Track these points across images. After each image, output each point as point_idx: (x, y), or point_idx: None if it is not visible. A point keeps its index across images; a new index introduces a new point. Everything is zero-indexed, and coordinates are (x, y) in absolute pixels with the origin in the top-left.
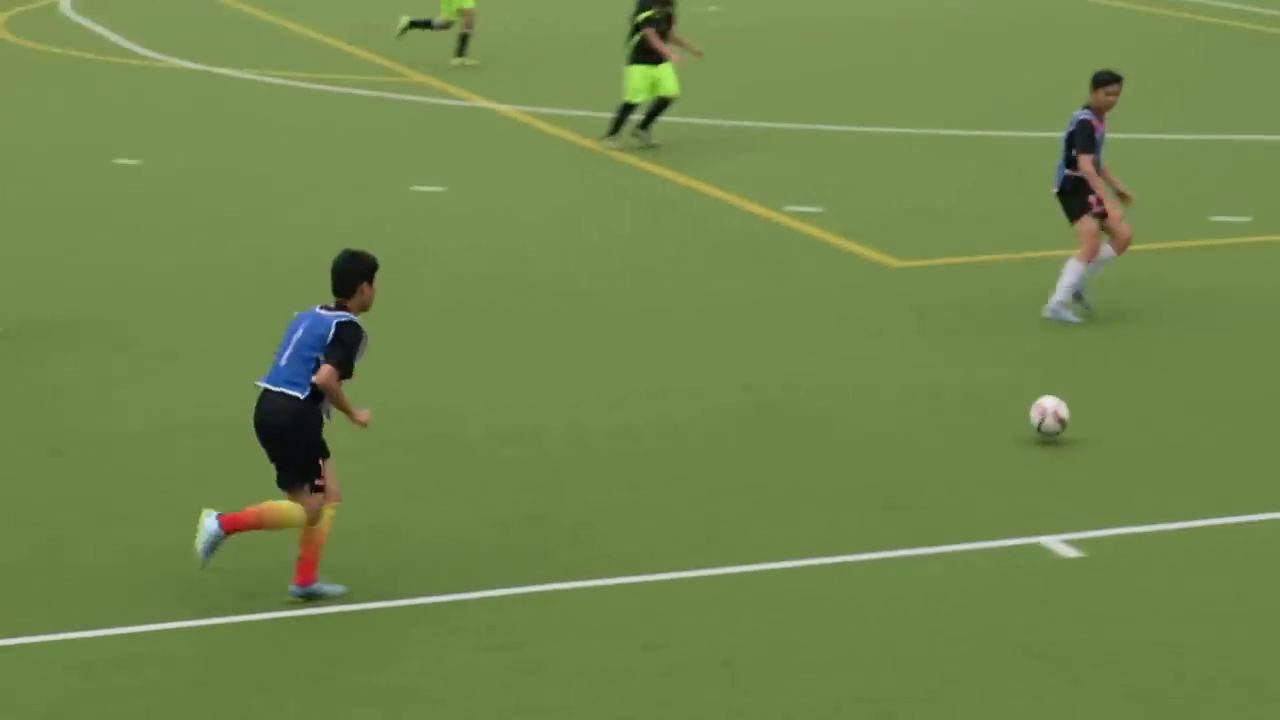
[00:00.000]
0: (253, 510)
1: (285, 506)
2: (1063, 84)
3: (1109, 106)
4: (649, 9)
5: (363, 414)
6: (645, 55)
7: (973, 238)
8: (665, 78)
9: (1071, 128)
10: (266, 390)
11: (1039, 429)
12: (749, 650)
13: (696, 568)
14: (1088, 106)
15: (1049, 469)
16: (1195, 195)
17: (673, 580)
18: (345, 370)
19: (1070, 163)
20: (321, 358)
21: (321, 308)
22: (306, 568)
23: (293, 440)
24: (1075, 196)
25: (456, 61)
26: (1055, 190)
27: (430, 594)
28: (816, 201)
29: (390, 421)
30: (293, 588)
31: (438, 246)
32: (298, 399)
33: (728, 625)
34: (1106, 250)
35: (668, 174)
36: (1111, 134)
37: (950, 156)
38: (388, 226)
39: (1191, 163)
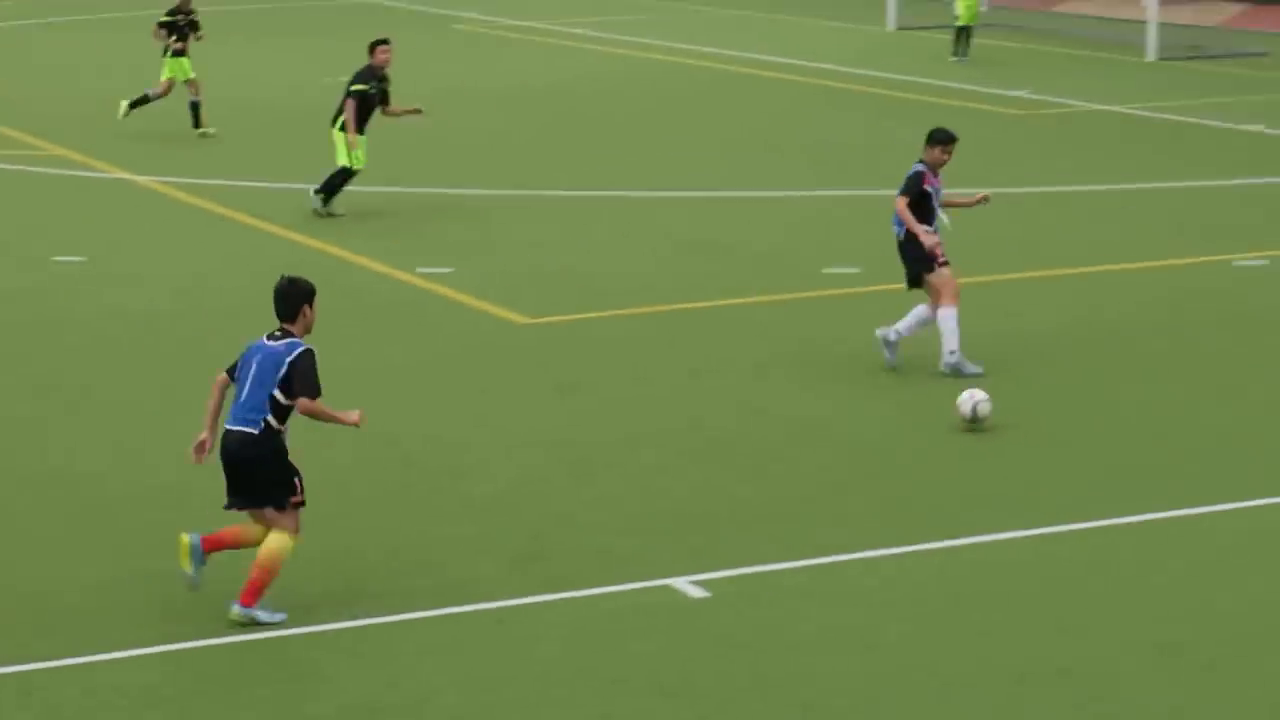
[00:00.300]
0: (228, 534)
1: (278, 543)
2: (695, 147)
3: (943, 163)
4: (364, 83)
5: (352, 415)
6: (360, 123)
7: (601, 294)
8: (361, 149)
9: (908, 175)
10: (230, 430)
11: (974, 415)
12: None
13: (339, 620)
14: (922, 161)
15: (676, 513)
16: (810, 248)
17: (328, 631)
18: (316, 392)
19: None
20: (279, 395)
21: (268, 337)
22: (254, 587)
23: (270, 470)
24: (910, 247)
25: (200, 131)
26: (897, 237)
27: (65, 656)
28: (447, 262)
29: (30, 487)
30: (237, 608)
31: (81, 314)
32: (254, 434)
33: (371, 672)
34: (925, 311)
35: (299, 238)
36: (737, 192)
37: (577, 216)
38: (30, 296)
39: (807, 217)
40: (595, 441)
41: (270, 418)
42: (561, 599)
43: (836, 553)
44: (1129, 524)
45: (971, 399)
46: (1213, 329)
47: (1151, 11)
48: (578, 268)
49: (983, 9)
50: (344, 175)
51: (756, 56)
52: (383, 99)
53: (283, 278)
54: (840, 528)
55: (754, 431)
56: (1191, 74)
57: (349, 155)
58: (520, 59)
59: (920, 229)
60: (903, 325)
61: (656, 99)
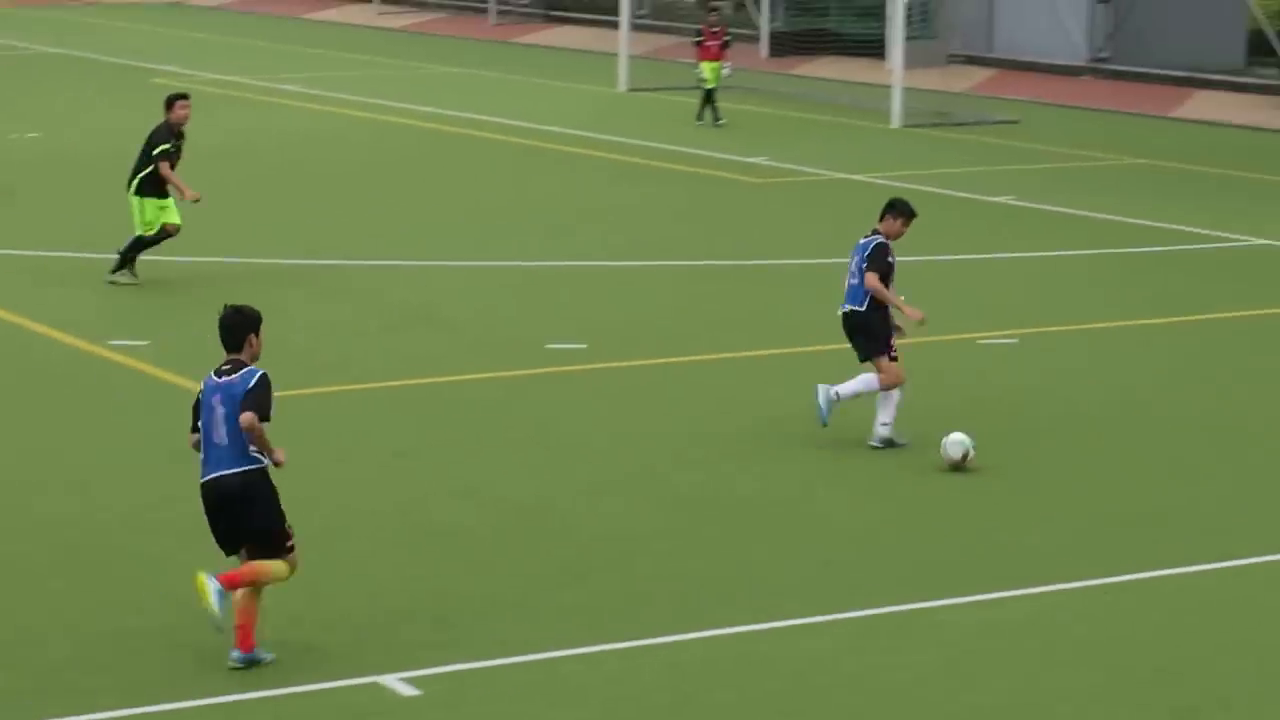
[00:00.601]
0: (247, 570)
1: (268, 569)
2: (413, 211)
3: (899, 236)
4: (166, 141)
5: (279, 453)
6: (155, 188)
7: (305, 370)
8: (171, 209)
9: (867, 250)
10: (222, 475)
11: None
12: None
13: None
14: (878, 232)
15: (386, 605)
16: (534, 322)
17: None
18: (266, 414)
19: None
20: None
21: (216, 373)
22: (249, 635)
23: (266, 507)
24: (873, 322)
25: None
26: (854, 311)
27: None
28: (142, 335)
29: None
30: (236, 654)
31: None
32: (261, 470)
33: None
34: (874, 381)
35: None
36: (457, 261)
37: (280, 285)
38: None
39: (530, 288)
40: (297, 528)
41: (253, 452)
42: (262, 698)
43: (558, 648)
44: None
45: (961, 445)
46: (959, 411)
47: (896, 76)
48: (283, 341)
49: (725, 72)
50: (138, 244)
51: (481, 117)
52: (176, 156)
53: (227, 308)
54: (562, 621)
55: (469, 517)
56: (938, 141)
57: (142, 224)
58: (223, 116)
59: (908, 307)
60: (846, 388)
61: (374, 160)
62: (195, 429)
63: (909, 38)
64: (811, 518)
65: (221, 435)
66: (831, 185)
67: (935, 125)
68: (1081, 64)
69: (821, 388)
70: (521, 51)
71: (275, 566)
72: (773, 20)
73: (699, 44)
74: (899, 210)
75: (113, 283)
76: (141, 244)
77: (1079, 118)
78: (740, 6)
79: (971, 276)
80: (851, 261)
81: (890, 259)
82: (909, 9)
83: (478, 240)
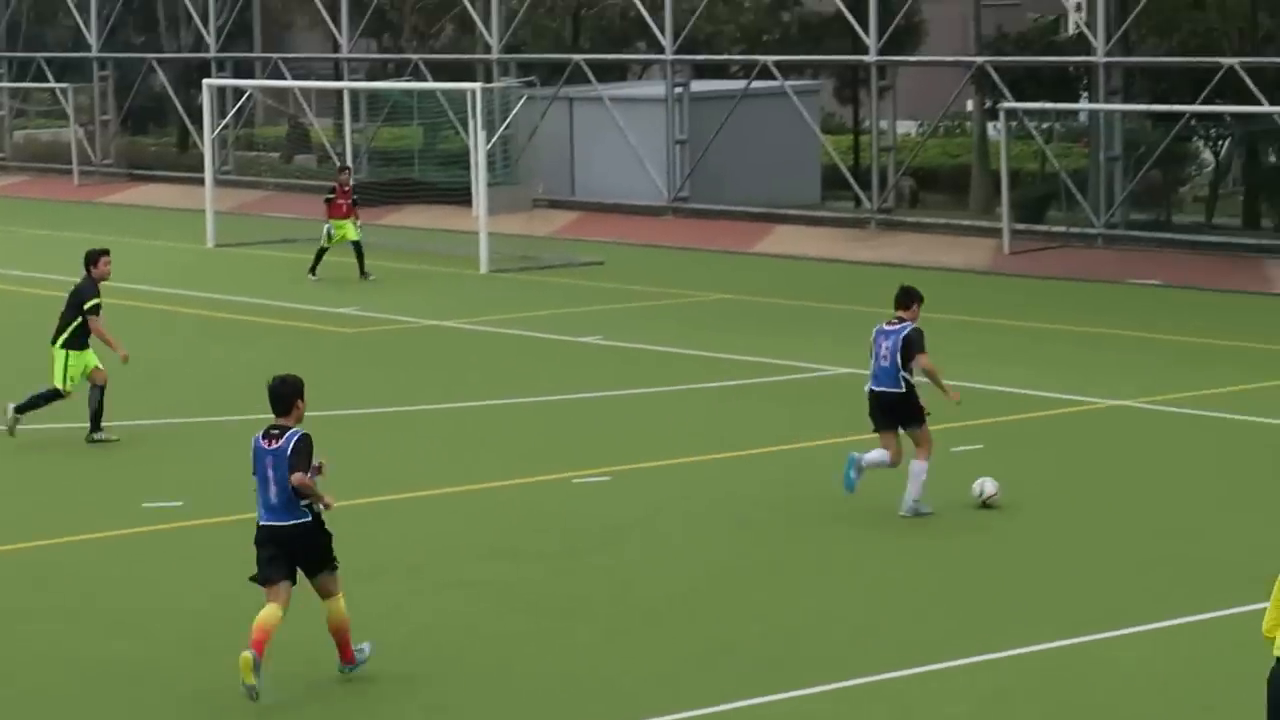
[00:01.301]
0: (338, 629)
1: (340, 607)
2: None
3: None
4: (94, 297)
5: (328, 499)
6: (80, 342)
7: None
8: (92, 358)
9: (904, 334)
10: (281, 524)
11: (983, 498)
12: None
13: None
14: (903, 319)
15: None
16: (126, 482)
17: None
18: (307, 469)
19: (906, 367)
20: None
21: (264, 437)
22: (349, 646)
23: (321, 544)
24: (913, 399)
25: None
26: (892, 391)
27: None
28: None
29: None
30: (345, 667)
31: None
32: (307, 523)
33: None
34: (882, 455)
35: None
36: (47, 424)
37: None
38: None
39: (125, 447)
40: None
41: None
42: None
43: None
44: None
45: (986, 487)
46: (557, 550)
47: (482, 222)
48: None
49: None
50: (54, 396)
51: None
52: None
53: (275, 378)
54: None
55: (72, 682)
56: (526, 285)
57: (64, 378)
58: None
59: (948, 386)
60: (869, 458)
61: None
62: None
63: (493, 184)
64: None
65: (274, 493)
66: (422, 332)
67: (522, 269)
68: (662, 204)
69: (854, 456)
70: (108, 211)
71: (342, 610)
72: (357, 172)
73: (329, 201)
74: (918, 297)
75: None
76: (59, 395)
77: (663, 256)
78: (324, 159)
79: (563, 416)
80: (880, 345)
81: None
82: (491, 156)
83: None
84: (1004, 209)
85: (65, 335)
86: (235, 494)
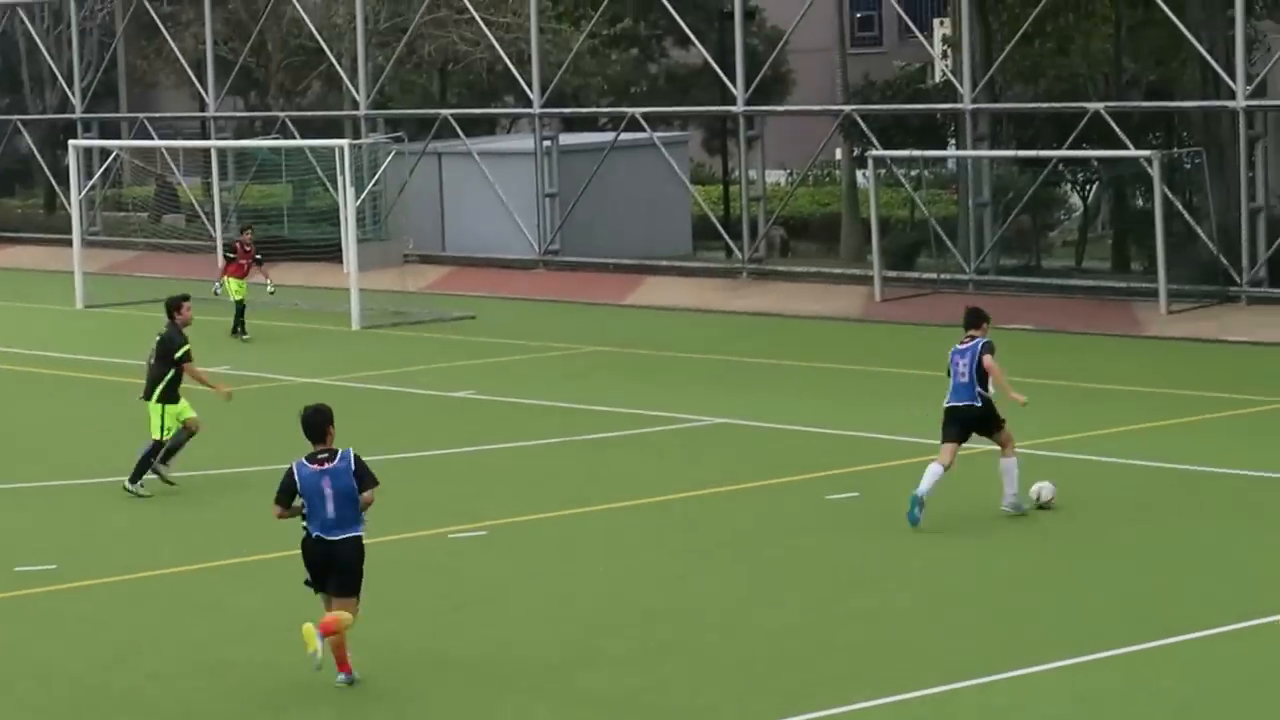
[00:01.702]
0: (332, 620)
1: (348, 615)
2: None
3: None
4: (184, 343)
5: (368, 495)
6: (173, 393)
7: None
8: (187, 408)
9: (979, 350)
10: (334, 538)
11: (1039, 501)
12: None
13: None
14: (974, 337)
15: None
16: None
17: None
18: (375, 483)
19: (981, 383)
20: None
21: (311, 460)
22: (345, 659)
23: (358, 565)
24: (992, 409)
25: None
26: (971, 405)
27: None
28: None
29: None
30: (342, 676)
31: None
32: (359, 536)
33: None
34: (939, 470)
35: None
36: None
37: None
38: None
39: None
40: None
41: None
42: None
43: None
44: None
45: (1043, 492)
46: (431, 606)
47: (353, 279)
48: None
49: (270, 291)
50: (156, 449)
51: None
52: None
53: (308, 409)
54: None
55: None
56: (398, 340)
57: (160, 429)
58: None
59: (1016, 394)
60: (925, 488)
61: None
62: (281, 503)
63: (363, 240)
64: None
65: (331, 509)
66: (295, 390)
67: (394, 325)
68: (534, 257)
69: (916, 495)
70: None
71: (349, 618)
72: (226, 231)
73: (230, 261)
74: (986, 316)
75: (133, 492)
76: (160, 448)
77: (535, 309)
78: (193, 218)
79: (438, 471)
80: (957, 364)
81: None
82: (361, 212)
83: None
84: (874, 256)
85: (160, 389)
86: (109, 556)
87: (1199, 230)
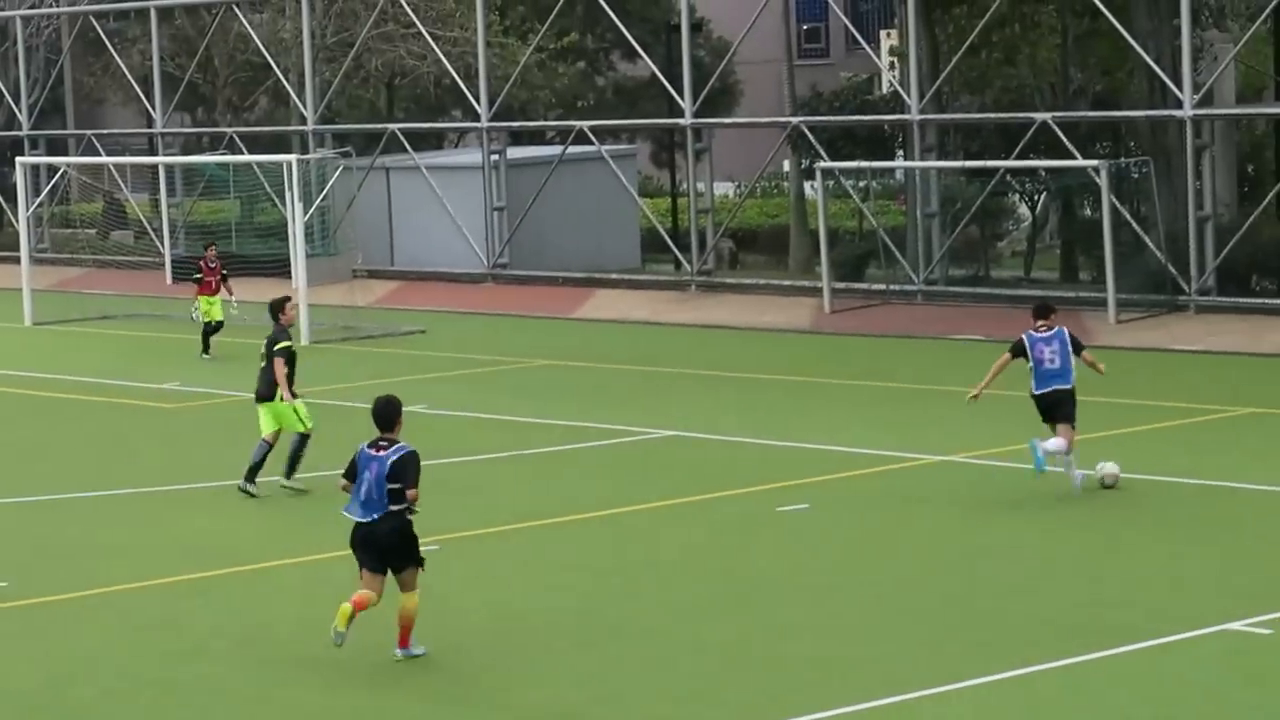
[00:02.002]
0: (405, 619)
1: (413, 603)
2: None
3: None
4: (287, 340)
5: (413, 492)
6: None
7: None
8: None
9: (1065, 335)
10: (371, 520)
11: (1103, 479)
12: None
13: None
14: (1050, 325)
15: None
16: None
17: None
18: (416, 483)
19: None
20: (392, 487)
21: (371, 447)
22: (408, 636)
23: (400, 544)
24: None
25: None
26: (1065, 389)
27: None
28: None
29: None
30: (401, 650)
31: None
32: (389, 516)
33: None
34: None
35: None
36: None
37: None
38: None
39: None
40: None
41: (391, 505)
42: None
43: None
44: None
45: (1107, 470)
46: (376, 618)
47: (301, 294)
48: None
49: (233, 310)
50: (304, 441)
51: None
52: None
53: (379, 399)
54: None
55: None
56: (348, 355)
57: (303, 421)
58: None
59: (1101, 365)
60: (1070, 463)
61: None
62: (348, 477)
63: (312, 255)
64: None
65: (362, 492)
66: (244, 406)
67: (344, 340)
68: (483, 271)
69: (1039, 445)
70: None
71: (414, 605)
72: (174, 247)
73: (199, 281)
74: (1055, 306)
75: (293, 488)
76: (306, 439)
77: (484, 323)
78: (141, 234)
79: None
80: (1043, 351)
81: None
82: (309, 227)
83: None
84: (824, 268)
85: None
86: (60, 572)
87: (1147, 239)
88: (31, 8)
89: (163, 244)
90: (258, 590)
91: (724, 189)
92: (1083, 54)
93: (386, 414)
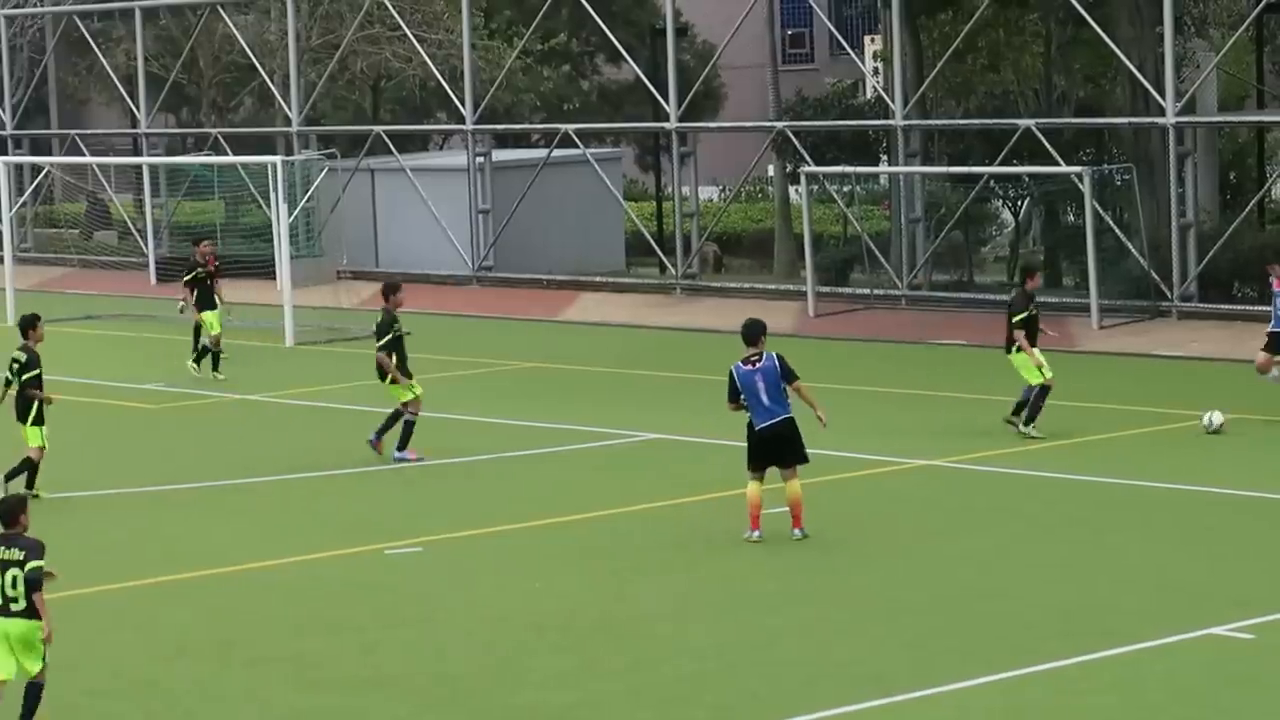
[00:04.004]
0: (794, 502)
1: (797, 486)
2: None
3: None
4: (394, 321)
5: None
6: (405, 369)
7: None
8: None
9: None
10: (772, 421)
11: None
12: None
13: None
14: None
15: None
16: None
17: None
18: (797, 375)
19: None
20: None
21: (744, 363)
22: (799, 518)
23: (799, 439)
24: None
25: None
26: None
27: None
28: None
29: None
30: (795, 531)
31: None
32: (792, 418)
33: None
34: None
35: None
36: None
37: None
38: None
39: None
40: None
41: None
42: None
43: None
44: None
45: (1215, 418)
46: (361, 621)
47: (286, 295)
48: None
49: (240, 324)
50: (397, 417)
51: None
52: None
53: (748, 320)
54: None
55: None
56: (333, 357)
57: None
58: None
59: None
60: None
61: None
62: (734, 399)
63: (296, 256)
64: None
65: (766, 399)
66: (229, 406)
67: (329, 341)
68: (468, 273)
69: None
70: None
71: (798, 488)
72: (158, 247)
73: (199, 280)
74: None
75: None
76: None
77: (469, 325)
78: (125, 235)
79: (374, 488)
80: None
81: None
82: (294, 229)
83: None
84: (808, 272)
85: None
86: (56, 567)
87: (1130, 246)
88: (15, 7)
89: (147, 244)
90: (243, 591)
91: (709, 193)
92: (1066, 61)
93: (753, 331)
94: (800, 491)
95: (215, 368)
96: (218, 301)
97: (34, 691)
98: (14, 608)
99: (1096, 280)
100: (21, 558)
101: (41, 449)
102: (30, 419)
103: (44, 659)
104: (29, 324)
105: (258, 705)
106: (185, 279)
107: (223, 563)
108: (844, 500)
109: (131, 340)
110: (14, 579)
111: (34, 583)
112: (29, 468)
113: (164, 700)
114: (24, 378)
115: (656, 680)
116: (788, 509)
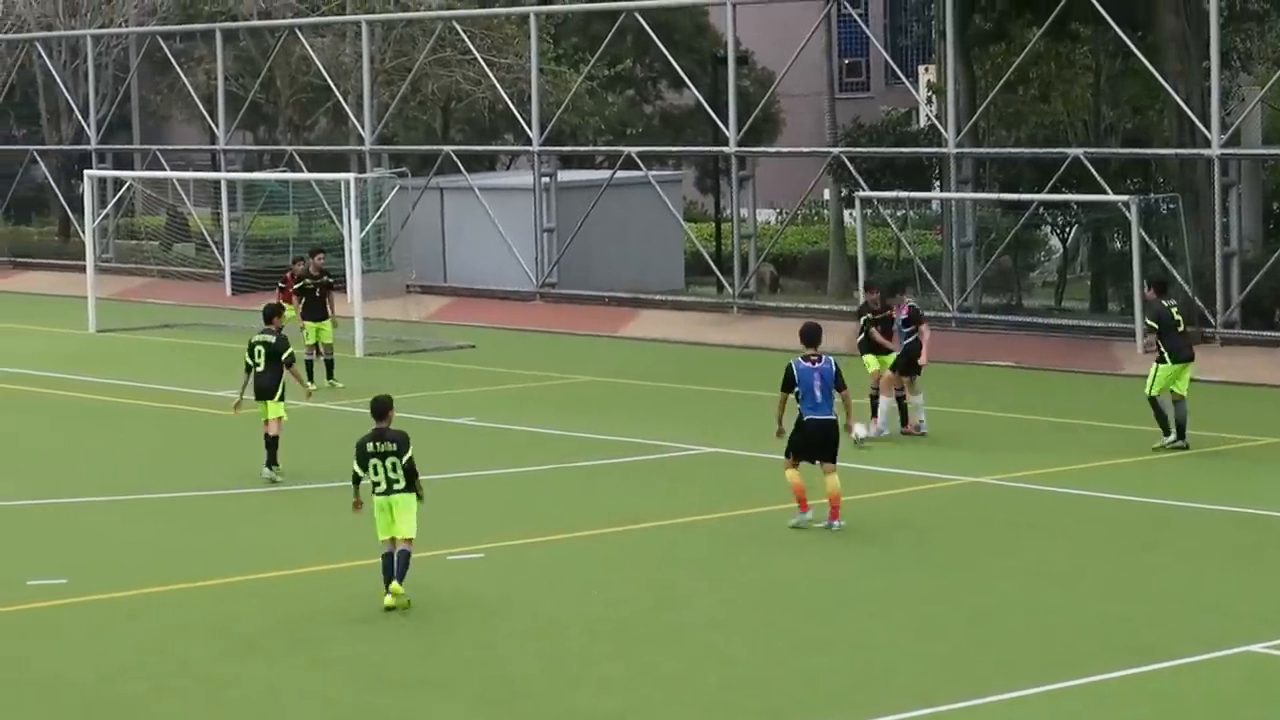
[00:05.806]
0: (834, 496)
1: (835, 480)
2: None
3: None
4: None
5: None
6: None
7: None
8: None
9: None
10: (820, 418)
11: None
12: None
13: None
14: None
15: None
16: (11, 560)
17: None
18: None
19: None
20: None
21: (805, 360)
22: (836, 512)
23: (836, 440)
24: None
25: None
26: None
27: None
28: None
29: None
30: (831, 523)
31: None
32: (835, 419)
33: None
34: None
35: None
36: None
37: None
38: None
39: (6, 528)
40: None
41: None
42: None
43: None
44: None
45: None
46: (421, 623)
47: (357, 307)
48: None
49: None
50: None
51: None
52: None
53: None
54: None
55: None
56: (401, 368)
57: None
58: None
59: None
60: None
61: None
62: (787, 389)
63: (367, 270)
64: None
65: (820, 397)
66: (300, 413)
67: (397, 353)
68: (531, 290)
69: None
70: None
71: (837, 482)
72: (234, 260)
73: (281, 290)
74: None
75: None
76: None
77: (532, 340)
78: (203, 247)
79: (437, 495)
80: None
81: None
82: (365, 244)
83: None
84: (861, 293)
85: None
86: (117, 571)
87: (1175, 273)
88: (101, 27)
89: (223, 257)
90: (311, 592)
91: (766, 215)
92: (1115, 93)
93: (813, 333)
94: (839, 485)
95: (330, 375)
96: (329, 311)
97: (404, 556)
98: (395, 488)
99: (1141, 306)
100: (395, 449)
101: (280, 420)
102: (277, 395)
103: (413, 529)
104: (274, 312)
105: (321, 703)
106: (294, 288)
107: (293, 564)
108: (891, 514)
109: (206, 349)
110: (393, 464)
111: (412, 471)
112: (272, 445)
113: (231, 696)
114: (283, 356)
115: (704, 686)
116: (826, 501)
